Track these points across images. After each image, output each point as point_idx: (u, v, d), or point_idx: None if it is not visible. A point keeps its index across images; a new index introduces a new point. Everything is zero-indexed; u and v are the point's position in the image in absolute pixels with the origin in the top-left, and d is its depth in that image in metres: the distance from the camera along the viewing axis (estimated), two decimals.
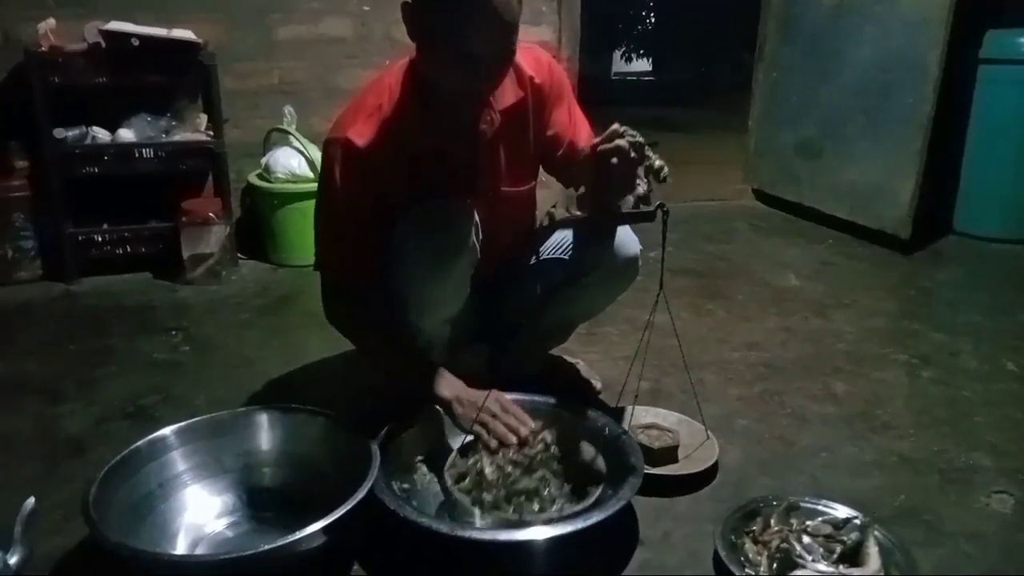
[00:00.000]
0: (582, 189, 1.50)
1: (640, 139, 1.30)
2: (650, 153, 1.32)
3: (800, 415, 1.84)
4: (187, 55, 2.63)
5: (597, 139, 1.33)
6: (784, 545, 1.27)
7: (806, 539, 1.29)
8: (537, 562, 1.31)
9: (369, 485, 1.25)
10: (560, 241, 1.70)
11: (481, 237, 1.51)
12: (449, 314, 1.57)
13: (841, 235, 3.33)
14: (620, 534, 1.38)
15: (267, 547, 1.18)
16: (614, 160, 1.29)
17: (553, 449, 1.38)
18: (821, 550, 1.27)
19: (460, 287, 1.55)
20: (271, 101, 2.94)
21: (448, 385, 1.45)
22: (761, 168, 3.93)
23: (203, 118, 2.78)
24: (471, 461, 1.35)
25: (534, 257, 1.71)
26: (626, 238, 1.62)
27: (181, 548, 1.32)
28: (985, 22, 3.19)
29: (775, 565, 1.26)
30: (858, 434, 1.76)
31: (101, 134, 2.64)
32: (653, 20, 11.19)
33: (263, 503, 1.43)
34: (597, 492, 1.33)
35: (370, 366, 1.72)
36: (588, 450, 1.46)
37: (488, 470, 1.32)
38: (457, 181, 1.52)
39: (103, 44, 2.54)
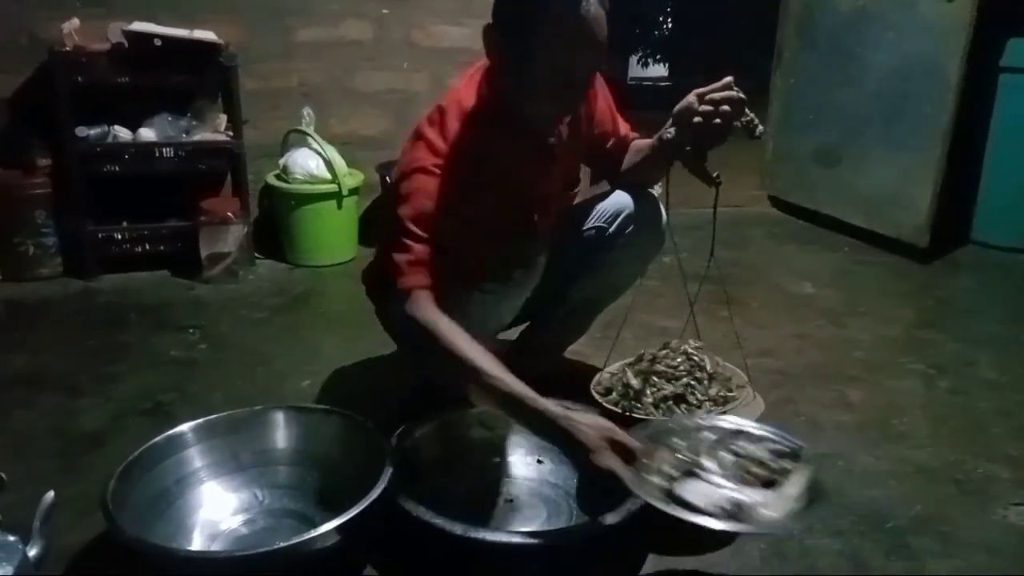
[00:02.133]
0: (642, 151, 1.61)
1: (743, 96, 1.40)
2: (747, 110, 1.41)
3: (815, 422, 1.83)
4: (208, 56, 2.66)
5: (704, 89, 1.41)
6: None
7: (726, 455, 1.23)
8: (552, 564, 1.31)
9: (383, 485, 1.25)
10: (594, 215, 1.70)
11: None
12: (499, 331, 1.64)
13: (857, 243, 3.31)
14: (635, 538, 1.37)
15: (282, 545, 1.19)
16: (723, 108, 1.37)
17: (697, 358, 1.51)
18: (736, 469, 1.21)
19: (516, 311, 1.61)
20: (290, 102, 2.96)
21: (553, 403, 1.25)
22: (777, 174, 3.92)
23: (223, 118, 2.80)
24: (616, 374, 1.46)
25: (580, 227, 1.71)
26: (652, 208, 1.67)
27: (197, 544, 1.33)
28: (1007, 30, 3.16)
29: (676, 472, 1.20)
30: (873, 443, 1.75)
31: (122, 133, 2.67)
32: (670, 26, 11.16)
33: (278, 501, 1.44)
34: (742, 396, 1.47)
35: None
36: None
37: (634, 381, 1.38)
38: (533, 203, 1.50)
39: (126, 44, 2.57)
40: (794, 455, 1.27)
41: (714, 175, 1.47)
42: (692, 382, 1.53)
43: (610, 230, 1.65)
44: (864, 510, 1.50)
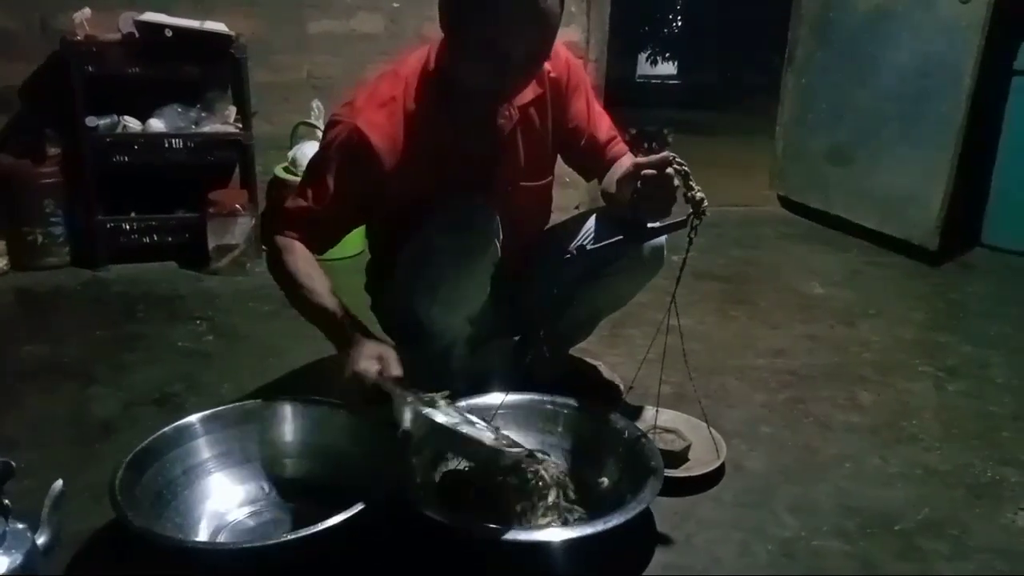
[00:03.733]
0: (611, 186, 1.49)
1: (686, 168, 1.30)
2: (693, 184, 1.31)
3: (825, 424, 1.82)
4: (219, 47, 2.65)
5: (643, 159, 1.32)
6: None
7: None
8: (557, 564, 1.30)
9: (390, 479, 1.25)
10: (585, 233, 1.68)
11: (502, 236, 1.50)
12: (471, 312, 1.57)
13: (867, 244, 3.30)
14: (641, 537, 1.37)
15: (288, 537, 1.19)
16: (662, 185, 1.29)
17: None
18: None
19: (482, 285, 1.54)
20: (300, 95, 2.95)
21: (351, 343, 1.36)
22: (788, 174, 3.90)
23: (232, 110, 2.80)
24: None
25: (559, 250, 1.70)
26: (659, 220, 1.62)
27: (203, 535, 1.33)
28: (1021, 34, 3.13)
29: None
30: (884, 445, 1.74)
31: (132, 123, 2.67)
32: (679, 23, 11.13)
33: (285, 493, 1.44)
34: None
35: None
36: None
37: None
38: (474, 177, 1.51)
39: (137, 34, 2.57)
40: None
41: (688, 215, 1.32)
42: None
43: (589, 247, 1.61)
44: (873, 512, 1.49)
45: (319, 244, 1.53)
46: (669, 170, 1.29)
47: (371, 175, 1.43)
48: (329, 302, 1.42)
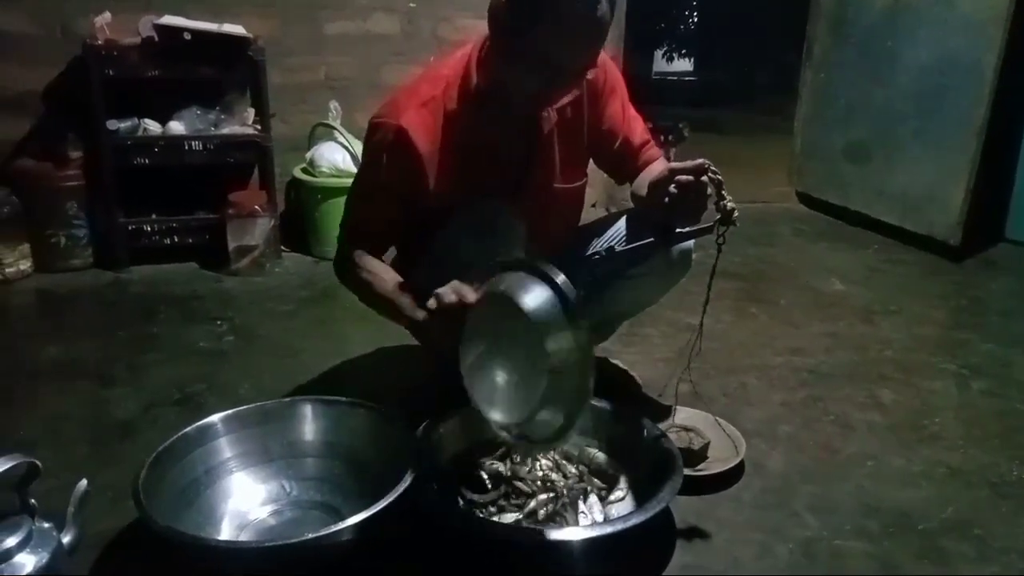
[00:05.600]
0: (641, 189, 1.49)
1: (720, 177, 1.30)
2: (725, 193, 1.31)
3: (845, 423, 1.81)
4: (237, 49, 2.68)
5: (679, 165, 1.32)
6: None
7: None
8: (577, 563, 1.30)
9: (410, 479, 1.25)
10: (614, 234, 1.67)
11: (531, 238, 1.49)
12: None
13: (888, 240, 3.26)
14: (661, 536, 1.37)
15: (310, 536, 1.19)
16: (695, 191, 1.29)
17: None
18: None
19: None
20: (317, 96, 2.97)
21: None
22: (806, 171, 3.87)
23: (251, 112, 2.82)
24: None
25: (587, 249, 1.69)
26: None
27: (225, 534, 1.34)
28: None
29: None
30: (905, 444, 1.72)
31: (152, 126, 2.70)
32: (696, 20, 11.08)
33: (306, 492, 1.45)
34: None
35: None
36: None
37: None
38: (510, 178, 1.51)
39: (156, 38, 2.59)
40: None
41: (716, 220, 1.34)
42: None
43: (619, 248, 1.58)
44: (895, 512, 1.47)
45: (383, 248, 1.57)
46: (704, 178, 1.30)
47: (414, 173, 1.44)
48: (395, 286, 1.46)
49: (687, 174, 1.30)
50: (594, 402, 1.55)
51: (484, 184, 1.47)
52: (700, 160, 1.30)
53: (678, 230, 1.36)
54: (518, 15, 1.29)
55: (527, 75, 1.33)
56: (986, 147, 2.91)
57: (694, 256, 1.62)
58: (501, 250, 1.44)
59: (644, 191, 1.48)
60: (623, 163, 1.64)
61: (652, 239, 1.38)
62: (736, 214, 1.31)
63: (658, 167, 1.52)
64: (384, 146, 1.44)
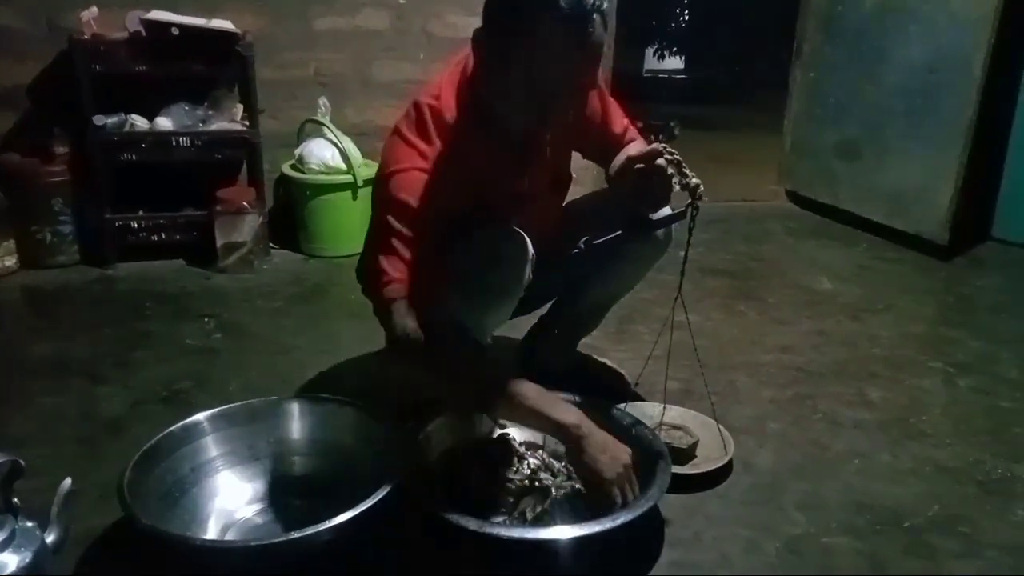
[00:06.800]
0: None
1: (678, 157, 1.30)
2: (687, 171, 1.32)
3: (834, 420, 1.81)
4: (225, 45, 2.65)
5: (636, 154, 1.32)
6: None
7: None
8: (565, 562, 1.30)
9: (397, 477, 1.25)
10: (593, 220, 1.62)
11: (534, 263, 1.46)
12: (495, 330, 1.57)
13: (876, 239, 3.28)
14: (649, 534, 1.37)
15: (296, 535, 1.19)
16: (656, 176, 1.29)
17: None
18: None
19: (510, 310, 1.52)
20: (307, 92, 2.95)
21: (569, 411, 1.29)
22: (796, 169, 3.87)
23: (239, 108, 2.79)
24: None
25: (569, 241, 1.66)
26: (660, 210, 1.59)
27: (211, 533, 1.33)
28: None
29: None
30: (894, 441, 1.73)
31: (140, 122, 2.67)
32: (687, 17, 11.08)
33: (292, 491, 1.44)
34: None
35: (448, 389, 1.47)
36: None
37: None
38: (510, 196, 1.47)
39: (144, 33, 2.57)
40: None
41: (686, 204, 1.36)
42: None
43: (595, 242, 1.56)
44: (882, 509, 1.48)
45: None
46: (660, 161, 1.29)
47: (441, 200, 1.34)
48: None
49: (641, 161, 1.30)
50: (583, 400, 1.55)
51: (486, 205, 1.41)
52: (653, 145, 1.31)
53: (652, 217, 1.37)
54: (500, 47, 1.24)
55: (517, 106, 1.27)
56: (974, 146, 2.92)
57: (673, 234, 1.62)
58: (509, 278, 1.43)
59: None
60: (607, 153, 1.63)
61: (623, 232, 1.38)
62: (701, 189, 1.33)
63: (622, 156, 1.46)
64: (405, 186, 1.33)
